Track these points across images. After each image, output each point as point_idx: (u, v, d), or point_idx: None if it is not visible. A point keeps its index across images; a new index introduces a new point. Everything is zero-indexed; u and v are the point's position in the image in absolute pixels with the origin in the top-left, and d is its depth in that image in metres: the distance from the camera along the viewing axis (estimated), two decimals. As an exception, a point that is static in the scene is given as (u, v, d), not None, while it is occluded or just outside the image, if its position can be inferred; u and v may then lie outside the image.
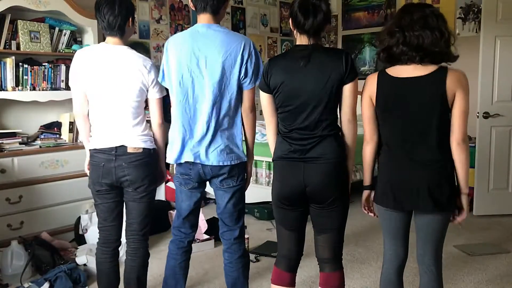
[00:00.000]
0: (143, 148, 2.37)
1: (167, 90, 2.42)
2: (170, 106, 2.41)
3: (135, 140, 2.36)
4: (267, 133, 2.29)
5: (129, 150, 2.35)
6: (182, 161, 2.36)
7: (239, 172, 2.40)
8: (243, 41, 2.28)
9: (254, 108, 2.39)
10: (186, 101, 2.32)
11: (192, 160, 2.34)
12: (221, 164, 2.32)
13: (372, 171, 2.18)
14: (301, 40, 2.11)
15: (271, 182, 2.30)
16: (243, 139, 2.43)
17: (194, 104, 2.31)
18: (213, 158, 2.32)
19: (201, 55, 2.26)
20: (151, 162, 2.41)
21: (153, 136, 2.44)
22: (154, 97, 2.40)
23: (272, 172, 3.56)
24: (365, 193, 2.22)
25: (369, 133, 2.13)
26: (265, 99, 2.20)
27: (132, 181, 2.37)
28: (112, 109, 2.35)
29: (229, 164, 2.34)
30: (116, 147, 2.35)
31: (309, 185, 2.10)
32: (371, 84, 2.06)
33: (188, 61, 2.28)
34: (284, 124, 2.16)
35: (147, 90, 2.37)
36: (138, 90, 2.33)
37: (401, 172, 2.04)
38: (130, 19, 2.37)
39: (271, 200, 2.28)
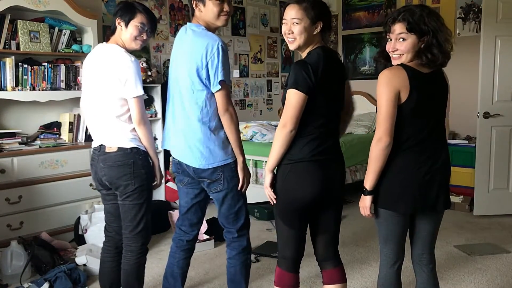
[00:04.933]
0: (118, 147, 2.28)
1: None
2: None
3: (111, 139, 2.30)
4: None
5: (106, 150, 2.30)
6: (168, 149, 2.43)
7: (224, 176, 2.31)
8: (206, 43, 2.21)
9: (228, 109, 2.25)
10: (168, 101, 2.41)
11: (177, 158, 2.39)
12: (199, 167, 2.30)
13: (379, 175, 2.03)
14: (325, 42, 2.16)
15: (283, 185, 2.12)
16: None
17: (171, 106, 2.38)
18: (192, 160, 2.30)
19: (175, 58, 2.36)
20: (129, 162, 2.28)
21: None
22: (129, 95, 2.26)
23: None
24: (370, 199, 2.03)
25: (391, 133, 1.92)
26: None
27: (109, 182, 2.31)
28: (95, 108, 2.35)
29: (208, 167, 2.29)
30: (99, 146, 2.33)
31: (335, 187, 2.15)
32: (399, 78, 1.91)
33: (171, 62, 2.39)
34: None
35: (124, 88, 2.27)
36: (113, 87, 2.25)
37: (423, 173, 1.98)
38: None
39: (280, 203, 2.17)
